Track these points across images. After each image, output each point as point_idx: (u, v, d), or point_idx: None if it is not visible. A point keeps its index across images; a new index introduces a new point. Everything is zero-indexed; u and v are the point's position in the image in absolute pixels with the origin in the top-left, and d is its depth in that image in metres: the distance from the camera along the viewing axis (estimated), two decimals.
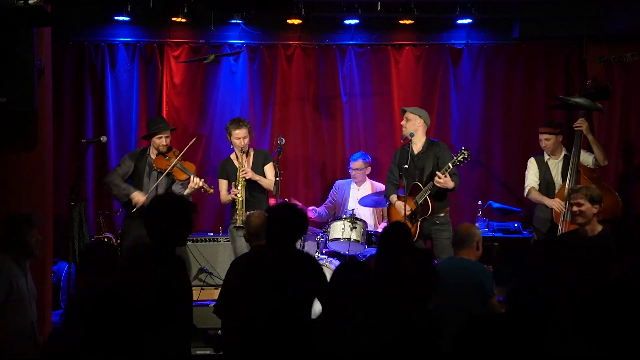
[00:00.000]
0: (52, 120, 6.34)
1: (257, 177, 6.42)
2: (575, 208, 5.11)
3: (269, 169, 6.55)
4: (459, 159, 6.04)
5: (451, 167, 6.07)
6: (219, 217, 7.71)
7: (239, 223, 6.29)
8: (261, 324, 3.79)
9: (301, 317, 3.87)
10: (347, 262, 4.07)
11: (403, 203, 6.16)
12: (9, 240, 4.34)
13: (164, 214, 3.65)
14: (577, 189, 5.25)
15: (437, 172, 6.08)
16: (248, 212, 6.06)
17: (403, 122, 6.48)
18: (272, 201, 6.77)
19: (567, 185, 6.27)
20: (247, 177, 6.35)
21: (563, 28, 7.50)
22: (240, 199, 6.34)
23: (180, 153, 6.43)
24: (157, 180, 6.37)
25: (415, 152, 6.43)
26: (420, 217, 6.23)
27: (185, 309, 3.68)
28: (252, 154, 6.57)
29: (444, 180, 6.04)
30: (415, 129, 6.41)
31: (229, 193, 6.46)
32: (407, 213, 6.17)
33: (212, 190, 6.47)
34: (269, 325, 3.79)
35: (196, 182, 6.32)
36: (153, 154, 6.47)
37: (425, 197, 6.17)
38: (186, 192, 6.37)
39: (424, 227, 6.26)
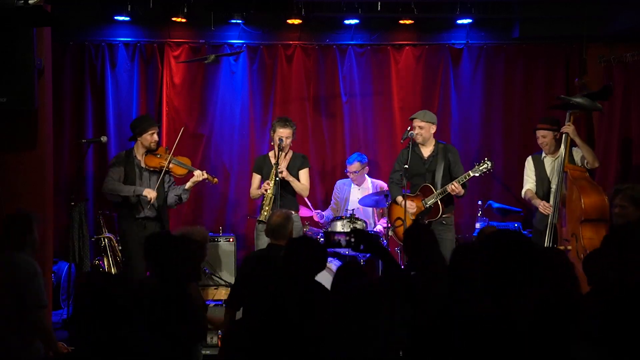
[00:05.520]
0: (52, 120, 6.33)
1: (290, 178, 6.45)
2: (617, 210, 4.92)
3: (304, 173, 6.60)
4: (481, 168, 6.14)
5: (471, 175, 6.18)
6: (219, 217, 7.71)
7: (262, 218, 6.29)
8: (258, 323, 3.78)
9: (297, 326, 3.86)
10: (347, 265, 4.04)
11: (410, 202, 6.28)
12: (21, 238, 4.31)
13: (167, 251, 3.62)
14: (623, 188, 4.98)
15: (454, 182, 6.17)
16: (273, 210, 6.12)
17: (417, 131, 6.44)
18: (304, 211, 6.89)
19: (552, 186, 6.29)
20: (281, 176, 6.36)
21: (563, 28, 7.51)
22: (269, 195, 6.32)
23: (171, 148, 6.40)
24: (149, 179, 6.33)
25: (426, 155, 6.48)
26: (428, 219, 6.32)
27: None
28: (290, 155, 6.60)
29: (458, 190, 6.16)
30: (429, 136, 6.47)
31: (260, 188, 6.51)
32: (414, 212, 6.29)
33: (216, 180, 6.52)
34: (265, 325, 3.78)
35: (199, 174, 6.34)
36: (140, 155, 6.36)
37: (437, 201, 6.27)
38: (187, 185, 6.38)
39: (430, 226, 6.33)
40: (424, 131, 6.44)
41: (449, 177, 6.37)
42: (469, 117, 7.87)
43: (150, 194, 6.20)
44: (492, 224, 7.12)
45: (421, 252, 3.91)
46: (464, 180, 6.19)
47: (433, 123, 6.49)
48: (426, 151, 6.50)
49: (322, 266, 4.08)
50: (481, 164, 6.16)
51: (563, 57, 7.78)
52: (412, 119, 6.53)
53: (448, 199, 6.34)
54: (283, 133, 6.45)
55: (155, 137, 6.36)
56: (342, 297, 3.14)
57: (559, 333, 2.90)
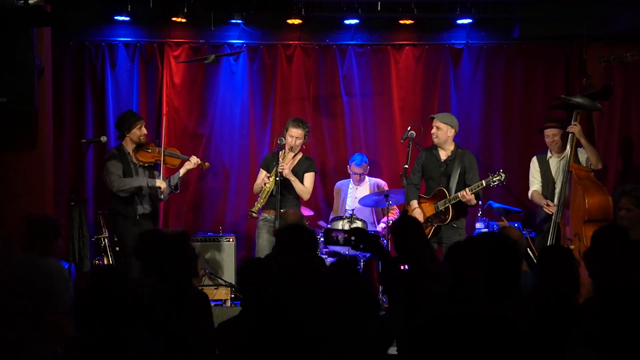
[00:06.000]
0: (52, 120, 6.34)
1: (292, 178, 6.46)
2: (622, 212, 4.93)
3: (309, 177, 6.62)
4: (493, 180, 6.09)
5: (484, 185, 6.14)
6: (219, 217, 7.71)
7: (254, 209, 6.37)
8: (258, 323, 3.78)
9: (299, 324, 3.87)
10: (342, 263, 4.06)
11: (420, 211, 6.35)
12: (49, 242, 4.27)
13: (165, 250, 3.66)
14: (628, 190, 4.99)
15: (466, 189, 6.13)
16: (283, 210, 6.19)
17: (433, 131, 6.45)
18: (304, 211, 6.84)
19: (557, 186, 6.27)
20: (282, 173, 6.37)
21: (563, 28, 7.51)
22: (267, 189, 6.38)
23: (160, 142, 6.47)
24: (144, 174, 6.34)
25: (443, 158, 6.46)
26: (437, 223, 6.31)
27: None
28: (298, 157, 6.63)
29: (469, 197, 6.13)
30: (446, 138, 6.43)
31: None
32: (424, 216, 6.34)
33: (207, 164, 6.65)
34: (265, 325, 3.78)
35: (195, 161, 6.43)
36: (131, 152, 6.37)
37: (448, 206, 6.24)
38: (181, 173, 6.45)
39: (439, 230, 6.34)
40: (440, 132, 6.43)
41: (463, 184, 6.32)
42: (469, 117, 7.86)
43: (162, 184, 6.31)
44: (492, 224, 7.12)
45: (409, 245, 3.93)
46: (477, 189, 6.15)
47: (452, 126, 6.45)
48: (443, 154, 6.48)
49: (314, 249, 4.21)
50: (495, 175, 6.12)
51: (563, 57, 7.78)
52: (431, 119, 6.56)
53: (461, 206, 6.28)
54: (295, 133, 6.50)
55: (144, 130, 6.39)
56: (342, 297, 3.14)
57: (559, 333, 2.90)
